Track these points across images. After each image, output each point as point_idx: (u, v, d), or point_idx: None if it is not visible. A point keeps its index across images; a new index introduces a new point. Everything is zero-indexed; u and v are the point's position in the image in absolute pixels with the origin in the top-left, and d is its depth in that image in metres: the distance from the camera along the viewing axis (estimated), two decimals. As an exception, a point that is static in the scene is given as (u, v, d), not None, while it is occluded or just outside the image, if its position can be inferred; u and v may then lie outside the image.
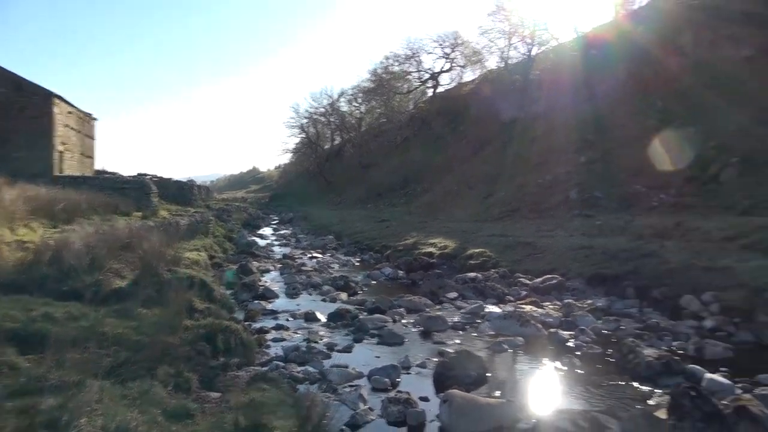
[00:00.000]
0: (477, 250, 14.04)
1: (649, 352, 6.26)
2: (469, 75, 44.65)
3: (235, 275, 12.44)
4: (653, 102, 21.67)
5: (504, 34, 35.41)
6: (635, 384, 5.73)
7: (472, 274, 12.04)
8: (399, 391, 5.51)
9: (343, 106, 60.20)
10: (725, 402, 4.44)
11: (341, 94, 59.72)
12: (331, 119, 62.03)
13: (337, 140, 63.97)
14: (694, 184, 15.56)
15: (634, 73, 24.36)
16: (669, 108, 20.68)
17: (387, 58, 49.67)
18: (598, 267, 10.71)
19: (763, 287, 7.78)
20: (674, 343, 7.09)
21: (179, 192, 30.39)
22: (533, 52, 33.50)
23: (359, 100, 57.01)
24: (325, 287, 11.71)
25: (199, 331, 6.04)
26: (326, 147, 64.91)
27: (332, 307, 9.67)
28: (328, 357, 6.84)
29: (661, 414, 4.43)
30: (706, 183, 15.24)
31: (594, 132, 22.56)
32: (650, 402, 5.19)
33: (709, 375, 5.62)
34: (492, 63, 39.89)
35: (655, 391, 5.41)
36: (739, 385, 5.50)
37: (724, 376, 5.73)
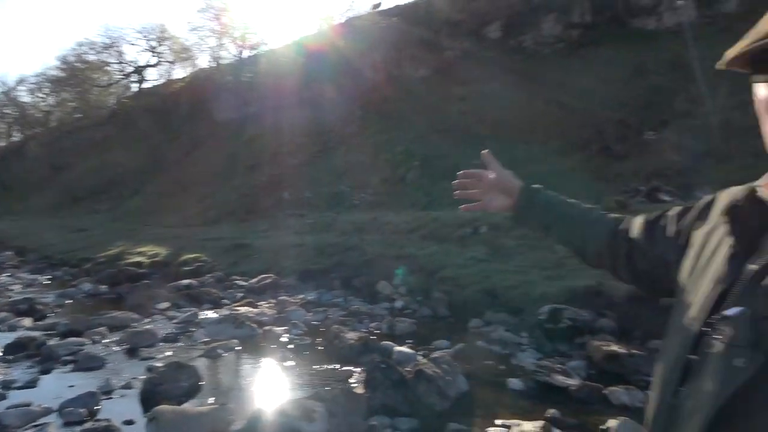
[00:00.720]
0: (191, 256, 13.51)
1: (352, 336, 6.94)
2: (180, 72, 42.61)
3: None
4: (354, 110, 24.06)
5: (215, 34, 34.85)
6: (340, 366, 6.29)
7: (186, 281, 11.53)
8: (97, 420, 4.93)
9: (24, 97, 50.94)
10: (408, 369, 5.21)
11: (20, 82, 50.39)
12: (7, 111, 51.78)
13: (17, 137, 53.68)
14: (387, 184, 17.85)
15: (340, 83, 26.65)
16: (367, 116, 23.25)
17: (81, 45, 44.06)
18: (308, 263, 11.42)
19: (435, 269, 9.39)
20: (372, 325, 8.02)
21: None
22: (244, 55, 33.77)
23: (46, 91, 48.97)
24: (1, 314, 9.73)
25: None
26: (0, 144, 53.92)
27: (11, 336, 8.09)
28: (3, 398, 5.71)
29: (360, 389, 4.96)
30: (396, 183, 17.64)
31: (305, 135, 23.91)
32: (351, 380, 5.77)
33: (397, 348, 6.52)
34: (203, 61, 38.83)
35: (355, 369, 6.05)
36: (420, 352, 6.52)
37: (410, 347, 6.72)
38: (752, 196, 0.91)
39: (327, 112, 25.12)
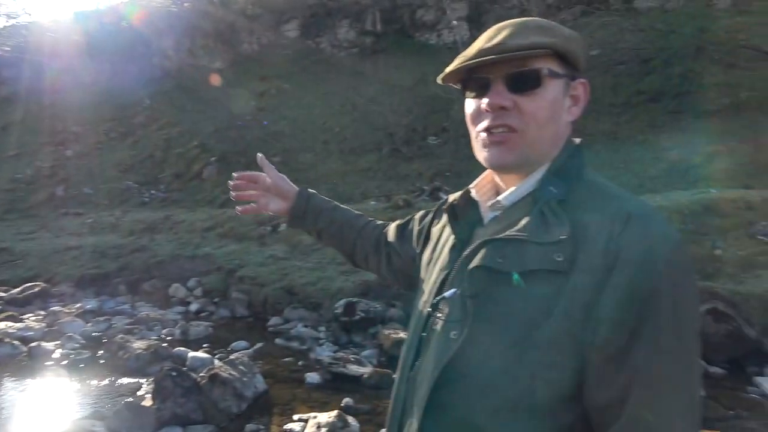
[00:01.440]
0: (-72, 265, 11.08)
1: (139, 345, 6.42)
2: None
3: None
4: (143, 99, 22.13)
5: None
6: (126, 379, 5.79)
7: None
8: None
9: None
10: (203, 374, 5.02)
11: None
12: None
13: None
14: (181, 180, 16.81)
15: (126, 68, 24.24)
16: (158, 106, 21.57)
17: None
18: (88, 267, 10.23)
19: (234, 268, 9.17)
20: (164, 331, 7.51)
21: None
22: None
23: None
24: None
25: None
26: None
27: None
28: None
29: (148, 401, 4.64)
30: (192, 179, 16.72)
31: (84, 123, 21.27)
32: (139, 392, 5.35)
33: (192, 353, 6.23)
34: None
35: (144, 380, 5.62)
36: (218, 355, 6.33)
37: (206, 351, 6.47)
38: (467, 196, 1.10)
39: (112, 98, 22.66)
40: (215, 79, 21.31)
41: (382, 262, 1.45)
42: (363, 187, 13.97)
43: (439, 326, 0.97)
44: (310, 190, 1.55)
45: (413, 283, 1.33)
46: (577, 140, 1.04)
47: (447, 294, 0.97)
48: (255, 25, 24.18)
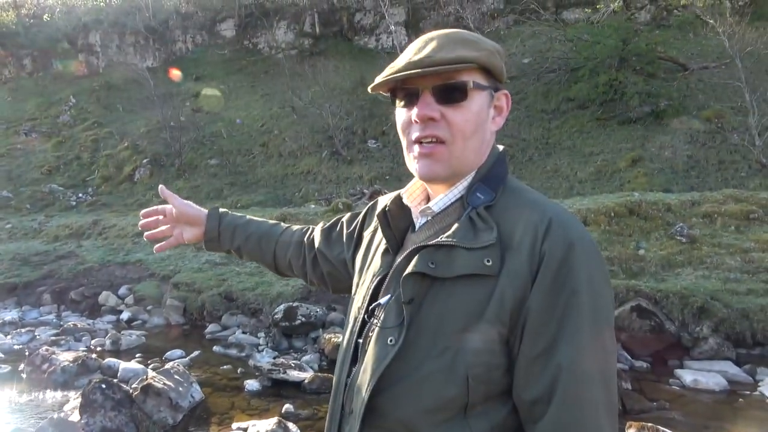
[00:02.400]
0: None
1: (66, 357, 6.08)
2: None
3: None
4: (67, 97, 21.02)
5: None
6: (52, 393, 5.47)
7: None
8: None
9: None
10: (135, 385, 4.83)
11: None
12: None
13: None
14: (111, 183, 16.08)
15: (45, 63, 22.95)
16: (84, 104, 20.56)
17: None
18: (7, 276, 9.59)
19: (169, 275, 8.86)
20: (93, 342, 7.16)
21: None
22: None
23: None
24: None
25: None
26: None
27: None
28: None
29: (75, 416, 4.41)
30: (122, 182, 16.02)
31: (2, 122, 19.95)
32: (66, 407, 5.07)
33: (123, 364, 5.97)
34: None
35: (71, 394, 5.34)
36: (152, 365, 6.10)
37: (138, 362, 6.22)
38: (399, 201, 1.12)
39: (32, 95, 21.37)
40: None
41: (308, 267, 1.44)
42: (303, 190, 13.86)
43: (375, 332, 0.98)
44: (220, 209, 1.52)
45: (343, 287, 1.35)
46: (500, 147, 1.09)
47: (383, 301, 1.00)
48: (189, 24, 23.47)
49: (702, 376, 5.24)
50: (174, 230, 1.48)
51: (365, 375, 0.97)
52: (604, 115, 13.35)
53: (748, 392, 5.02)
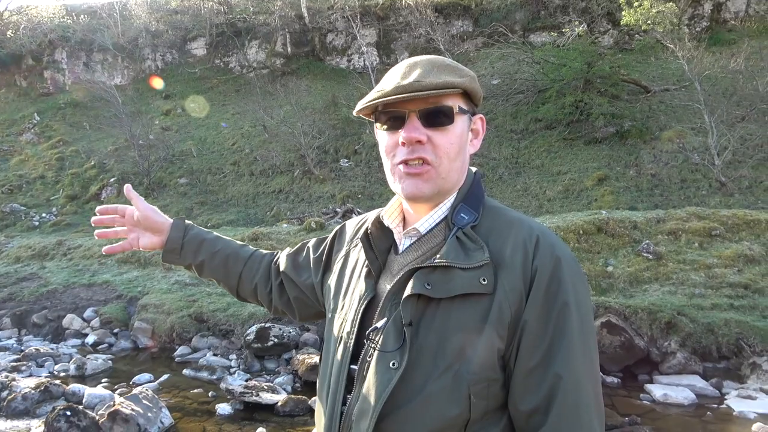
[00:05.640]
0: None
1: (27, 383, 5.86)
2: None
3: None
4: (31, 114, 20.55)
5: None
6: (12, 422, 5.24)
7: None
8: None
9: None
10: (102, 411, 4.67)
11: None
12: None
13: None
14: (76, 202, 15.68)
15: (8, 81, 22.43)
16: (48, 122, 20.12)
17: None
18: (-35, 300, 9.22)
19: (136, 296, 8.65)
20: (56, 367, 6.91)
21: None
22: None
23: None
24: None
25: None
26: None
27: None
28: None
29: (38, 446, 4.23)
30: (88, 201, 15.63)
31: (-43, 141, 19.33)
32: (28, 436, 4.87)
33: (89, 390, 5.76)
34: None
35: (33, 422, 5.13)
36: (118, 390, 5.91)
37: (105, 387, 6.03)
38: (379, 223, 1.12)
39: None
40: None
41: (274, 293, 1.40)
42: (275, 209, 13.75)
43: (374, 357, 0.97)
44: (187, 221, 1.45)
45: (311, 313, 1.34)
46: (474, 169, 1.12)
47: (380, 324, 0.99)
48: (159, 42, 23.27)
49: (671, 390, 5.35)
50: (130, 234, 1.40)
51: (368, 401, 0.95)
52: (571, 135, 13.68)
53: (715, 405, 5.15)
